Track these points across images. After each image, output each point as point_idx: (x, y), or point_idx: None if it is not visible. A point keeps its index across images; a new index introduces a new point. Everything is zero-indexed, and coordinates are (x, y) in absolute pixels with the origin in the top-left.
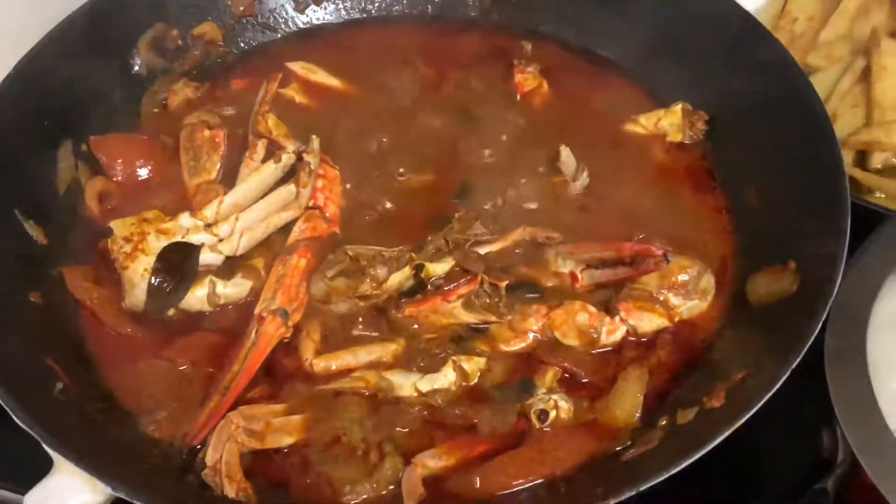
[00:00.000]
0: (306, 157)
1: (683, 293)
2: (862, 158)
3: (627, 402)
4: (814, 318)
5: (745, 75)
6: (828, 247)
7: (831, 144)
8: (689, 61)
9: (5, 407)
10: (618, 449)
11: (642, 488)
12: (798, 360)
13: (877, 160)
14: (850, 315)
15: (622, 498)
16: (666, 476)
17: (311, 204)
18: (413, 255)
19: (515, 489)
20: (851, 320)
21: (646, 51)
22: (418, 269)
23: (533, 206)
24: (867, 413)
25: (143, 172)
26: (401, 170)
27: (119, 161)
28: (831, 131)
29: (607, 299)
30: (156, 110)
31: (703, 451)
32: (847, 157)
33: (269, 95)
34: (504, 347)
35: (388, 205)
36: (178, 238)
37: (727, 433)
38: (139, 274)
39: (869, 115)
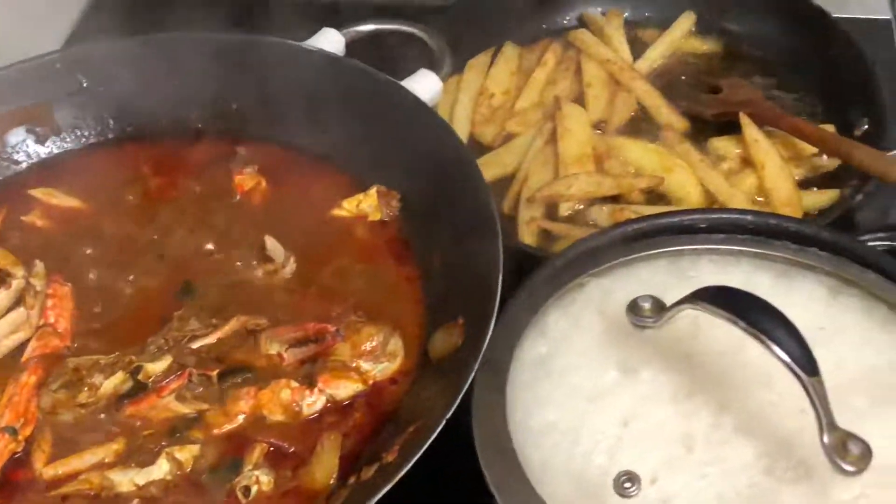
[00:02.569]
0: (32, 281)
1: (373, 358)
2: (554, 210)
3: (324, 466)
4: (468, 368)
5: (424, 155)
6: (484, 301)
7: (488, 212)
8: (381, 148)
9: None
10: None
11: None
12: (451, 411)
13: (563, 209)
14: (496, 359)
15: None
16: None
17: (42, 322)
18: (133, 357)
19: None
20: (497, 364)
21: (348, 143)
22: (136, 370)
23: (248, 295)
24: (503, 449)
25: None
26: (130, 277)
27: None
28: (489, 199)
29: (311, 373)
30: None
31: None
32: (538, 210)
33: None
34: (217, 431)
35: (119, 312)
36: None
37: (391, 485)
38: None
39: (556, 171)
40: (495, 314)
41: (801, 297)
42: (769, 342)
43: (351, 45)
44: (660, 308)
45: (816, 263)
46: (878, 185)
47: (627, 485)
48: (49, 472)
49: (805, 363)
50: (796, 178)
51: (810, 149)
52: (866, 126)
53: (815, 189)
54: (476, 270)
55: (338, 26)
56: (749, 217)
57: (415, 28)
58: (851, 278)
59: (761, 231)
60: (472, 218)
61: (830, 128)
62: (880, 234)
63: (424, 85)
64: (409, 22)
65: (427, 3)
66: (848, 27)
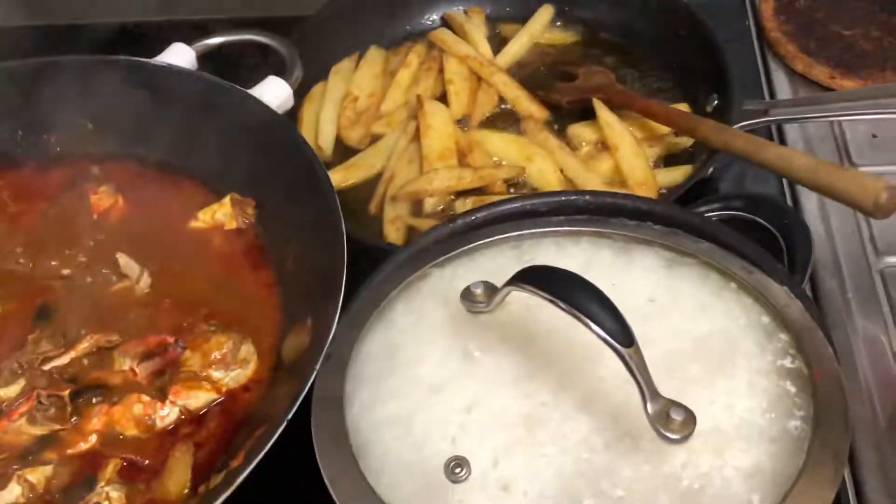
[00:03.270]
0: None
1: (223, 366)
2: (420, 207)
3: (177, 478)
4: (311, 366)
5: (273, 160)
6: (328, 299)
7: (332, 210)
8: (234, 156)
9: None
10: None
11: None
12: (293, 411)
13: (428, 205)
14: (337, 355)
15: None
16: None
17: None
18: None
19: None
20: (337, 360)
21: (203, 155)
22: None
23: (104, 313)
24: (340, 444)
25: None
26: None
27: None
28: (333, 198)
29: (163, 386)
30: None
31: None
32: (403, 208)
33: None
34: (71, 451)
35: None
36: None
37: (232, 489)
38: None
39: (421, 168)
40: (338, 311)
41: (639, 270)
42: (583, 317)
43: (206, 59)
44: (491, 293)
45: (653, 238)
46: (726, 157)
47: (458, 470)
48: None
49: (619, 335)
50: (654, 157)
51: (665, 129)
52: (716, 102)
53: (675, 166)
54: (324, 271)
55: (188, 41)
56: (587, 197)
57: (262, 37)
58: (686, 249)
59: (600, 210)
60: (318, 217)
61: (684, 107)
62: (715, 205)
63: (272, 91)
64: (256, 31)
65: (289, 14)
66: (697, 9)
